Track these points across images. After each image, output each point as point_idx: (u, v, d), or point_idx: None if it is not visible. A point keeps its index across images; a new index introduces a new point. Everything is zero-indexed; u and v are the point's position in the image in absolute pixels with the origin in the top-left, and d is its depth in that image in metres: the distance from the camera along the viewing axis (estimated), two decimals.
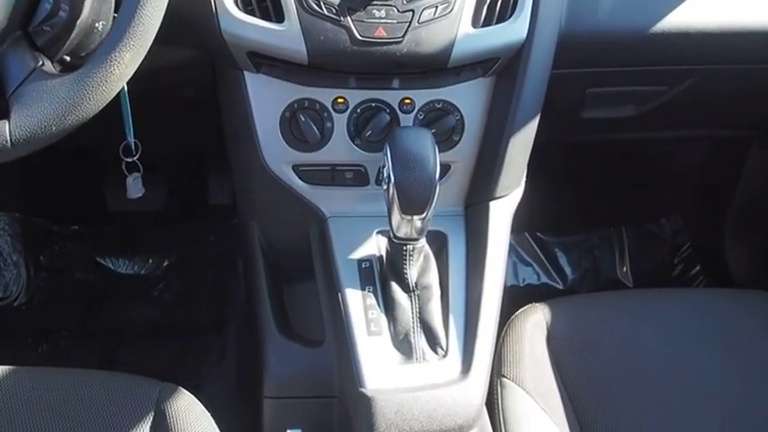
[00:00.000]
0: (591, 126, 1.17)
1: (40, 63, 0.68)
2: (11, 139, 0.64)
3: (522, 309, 1.01)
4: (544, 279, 1.65)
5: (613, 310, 1.06)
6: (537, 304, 1.01)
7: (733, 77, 1.07)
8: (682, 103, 1.10)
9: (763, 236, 1.48)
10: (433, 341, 0.83)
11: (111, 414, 0.83)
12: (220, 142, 1.09)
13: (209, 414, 0.83)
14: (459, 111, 0.90)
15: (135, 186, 0.98)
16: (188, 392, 0.85)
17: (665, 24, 0.95)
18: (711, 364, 0.97)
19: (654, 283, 1.63)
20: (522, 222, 1.60)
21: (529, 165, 1.00)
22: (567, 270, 1.65)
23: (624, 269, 1.66)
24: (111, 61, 0.66)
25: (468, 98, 0.90)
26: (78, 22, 0.70)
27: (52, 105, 0.65)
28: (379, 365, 0.81)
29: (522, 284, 1.64)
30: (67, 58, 0.73)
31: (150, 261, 1.66)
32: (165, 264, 1.66)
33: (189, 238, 1.67)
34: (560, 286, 1.66)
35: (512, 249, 1.64)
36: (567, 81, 1.00)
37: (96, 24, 0.73)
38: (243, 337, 1.40)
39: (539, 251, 1.66)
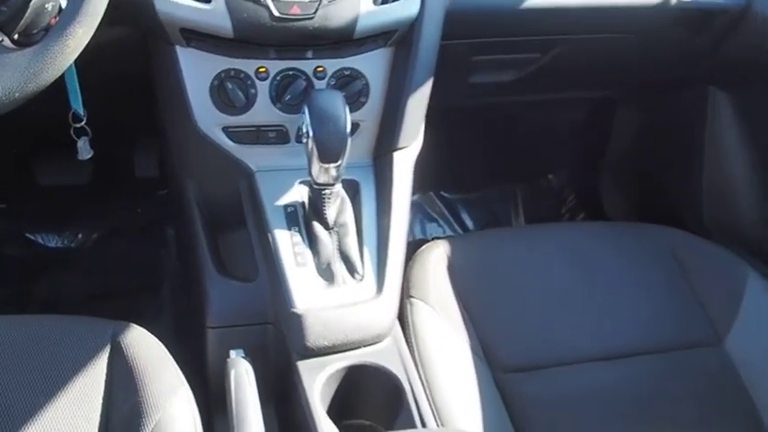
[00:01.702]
0: (479, 90, 1.34)
1: (0, 39, 0.80)
2: None
3: (427, 244, 1.18)
4: (449, 232, 1.81)
5: (503, 241, 1.25)
6: (439, 240, 1.18)
7: (592, 46, 1.26)
8: (554, 68, 1.29)
9: (631, 182, 1.70)
10: (351, 268, 0.98)
11: (68, 352, 0.87)
12: (152, 114, 1.20)
13: (162, 344, 0.94)
14: (364, 76, 1.04)
15: (85, 149, 1.09)
16: (140, 327, 0.96)
17: (532, 1, 1.13)
18: (582, 281, 1.17)
19: None
20: (428, 182, 1.79)
21: (431, 129, 1.16)
22: (469, 223, 1.83)
23: (519, 220, 1.85)
24: (66, 35, 0.76)
25: (372, 65, 1.04)
26: (32, 3, 0.81)
27: (15, 75, 0.74)
28: (307, 290, 0.95)
29: (429, 238, 1.80)
30: (16, 36, 0.84)
31: (80, 235, 1.73)
32: (94, 236, 1.72)
33: (117, 211, 1.75)
34: None
35: (419, 207, 1.81)
36: (455, 50, 1.16)
37: (46, 5, 0.84)
38: (178, 294, 1.51)
39: (443, 208, 1.82)
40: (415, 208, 1.78)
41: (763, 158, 1.39)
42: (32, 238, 1.71)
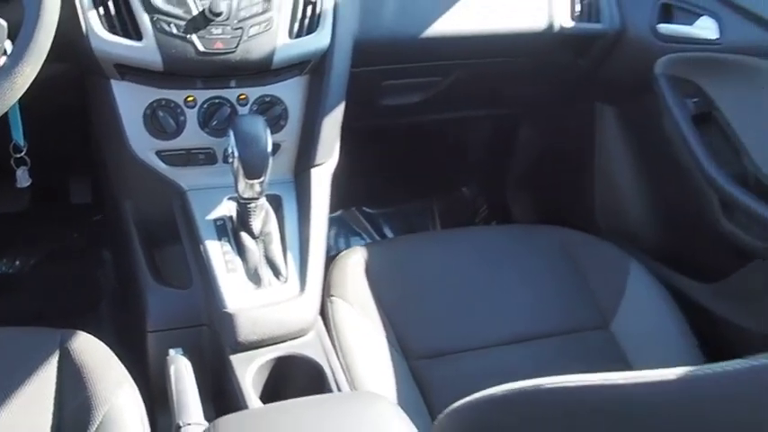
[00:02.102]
0: (391, 111, 1.48)
1: None
2: None
3: (346, 250, 1.31)
4: None
5: (416, 244, 1.39)
6: (357, 246, 1.31)
7: (488, 69, 1.42)
8: (456, 90, 1.44)
9: (535, 190, 1.87)
10: (276, 272, 1.10)
11: (19, 359, 0.94)
12: (88, 144, 1.30)
13: (107, 347, 1.04)
14: (283, 102, 1.17)
15: (23, 177, 1.18)
16: (87, 333, 1.05)
17: (430, 31, 1.28)
18: (486, 277, 1.31)
19: None
20: (351, 199, 1.91)
21: (353, 149, 1.29)
22: (390, 235, 1.95)
23: (436, 230, 2.00)
24: (15, 74, 0.87)
25: (290, 92, 1.18)
26: None
27: None
28: (237, 292, 1.06)
29: None
30: None
31: (17, 261, 1.79)
32: (32, 261, 1.78)
33: (54, 236, 1.82)
34: None
35: (343, 222, 1.93)
36: (367, 76, 1.30)
37: None
38: (117, 310, 1.60)
39: (365, 222, 1.95)
40: (340, 223, 1.90)
41: (644, 165, 1.57)
42: None
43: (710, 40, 1.34)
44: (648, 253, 1.51)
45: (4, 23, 0.91)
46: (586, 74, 1.50)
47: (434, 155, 1.95)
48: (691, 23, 1.38)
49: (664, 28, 1.40)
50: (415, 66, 1.35)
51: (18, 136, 1.14)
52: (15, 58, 0.87)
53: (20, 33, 0.88)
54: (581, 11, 1.41)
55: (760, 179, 1.31)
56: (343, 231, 1.90)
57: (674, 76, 1.41)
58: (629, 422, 0.48)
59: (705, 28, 1.36)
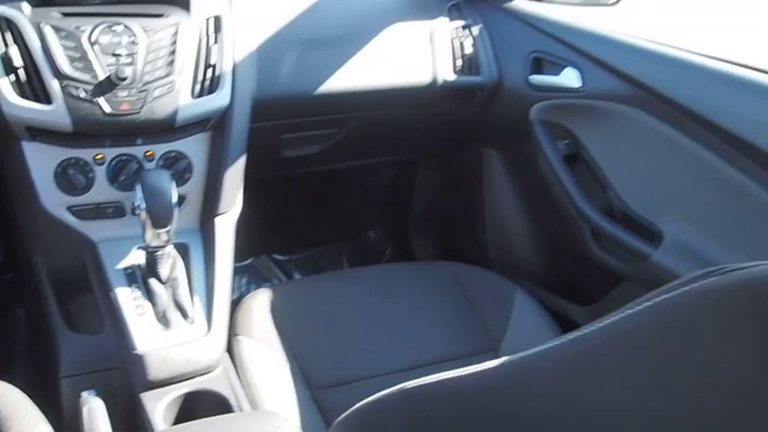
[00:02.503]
0: (293, 162, 1.59)
1: None
2: None
3: (252, 292, 1.39)
4: None
5: (319, 284, 1.49)
6: (262, 288, 1.40)
7: (380, 120, 1.55)
8: (352, 140, 1.56)
9: (435, 230, 2.00)
10: (184, 314, 1.18)
11: None
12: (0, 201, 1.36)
13: (24, 394, 1.08)
14: (188, 157, 1.26)
15: None
16: (4, 382, 1.09)
17: (324, 88, 1.40)
18: (385, 310, 1.41)
19: None
20: (261, 247, 2.00)
21: (260, 198, 1.38)
22: None
23: None
24: None
25: (194, 147, 1.27)
26: None
27: None
28: (146, 335, 1.13)
29: None
30: None
31: None
32: None
33: None
34: None
35: (254, 270, 2.01)
36: (267, 130, 1.41)
37: None
38: (30, 363, 1.63)
39: (276, 269, 2.03)
40: (251, 271, 1.98)
41: (526, 202, 1.72)
42: None
43: (575, 88, 1.51)
44: (534, 281, 1.65)
45: None
46: (471, 121, 1.65)
47: (340, 200, 2.06)
48: (557, 74, 1.55)
49: (535, 79, 1.57)
50: (311, 119, 1.47)
51: None
52: None
53: None
54: (462, 65, 1.56)
55: (623, 209, 1.47)
56: (254, 278, 1.97)
57: (547, 121, 1.57)
58: (474, 406, 0.60)
59: (570, 78, 1.53)
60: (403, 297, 1.45)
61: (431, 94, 1.54)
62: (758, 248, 1.25)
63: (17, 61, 1.12)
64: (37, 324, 1.36)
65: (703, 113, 1.30)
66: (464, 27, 1.58)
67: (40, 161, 1.19)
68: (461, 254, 1.75)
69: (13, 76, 1.12)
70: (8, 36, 1.13)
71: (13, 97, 1.12)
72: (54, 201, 1.21)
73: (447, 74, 1.53)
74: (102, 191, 1.22)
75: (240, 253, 1.89)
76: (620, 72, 1.44)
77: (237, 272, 1.96)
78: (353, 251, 2.12)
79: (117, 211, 1.24)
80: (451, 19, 1.58)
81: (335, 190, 2.02)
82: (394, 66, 1.50)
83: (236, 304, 1.33)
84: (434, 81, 1.52)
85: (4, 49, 1.12)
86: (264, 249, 2.03)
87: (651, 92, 1.38)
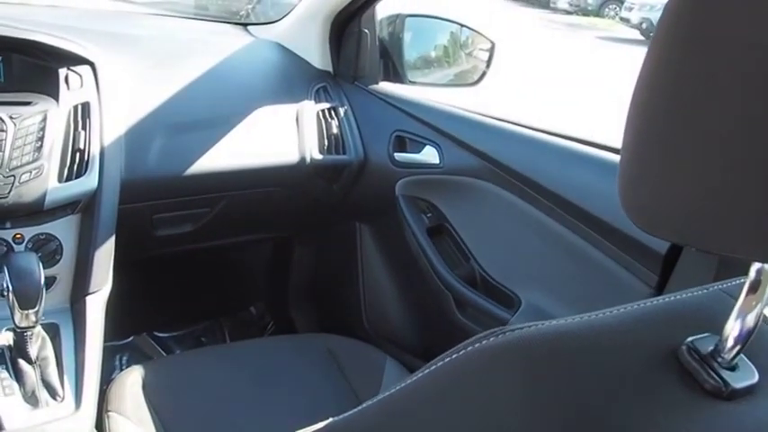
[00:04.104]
0: (167, 241, 1.63)
1: None
2: None
3: (125, 369, 1.41)
4: None
5: (194, 360, 1.52)
6: (134, 366, 1.42)
7: (251, 198, 1.62)
8: (225, 218, 1.62)
9: (314, 303, 2.07)
10: (53, 393, 1.19)
11: None
12: None
13: None
14: (57, 239, 1.30)
15: None
16: None
17: (193, 169, 1.47)
18: (258, 384, 1.44)
19: None
20: (141, 325, 2.01)
21: (138, 276, 1.41)
22: None
23: None
24: None
25: (64, 229, 1.31)
26: None
27: None
28: (15, 414, 1.14)
29: None
30: None
31: None
32: None
33: None
34: None
35: (134, 347, 2.02)
36: (136, 211, 1.46)
37: None
38: None
39: (157, 346, 2.04)
40: (131, 348, 1.99)
41: (397, 272, 1.81)
42: None
43: (434, 164, 1.64)
44: (405, 349, 1.73)
45: None
46: (341, 198, 1.74)
47: (220, 276, 2.10)
48: (419, 151, 1.68)
49: (399, 156, 1.69)
50: (182, 200, 1.52)
51: None
52: None
53: None
54: (328, 145, 1.66)
55: (484, 278, 1.58)
56: (134, 356, 1.97)
57: (411, 195, 1.69)
58: None
59: (430, 154, 1.66)
60: (276, 371, 1.50)
61: (299, 173, 1.63)
62: (595, 304, 1.37)
63: None
64: None
65: (545, 184, 1.44)
66: (330, 108, 1.69)
67: None
68: (339, 325, 1.82)
69: None
70: None
71: None
72: None
73: (314, 153, 1.63)
74: None
75: (120, 331, 1.91)
76: (472, 148, 1.57)
77: (118, 350, 1.96)
78: (235, 326, 2.16)
79: None
80: (317, 101, 1.69)
81: (214, 266, 2.06)
82: (262, 146, 1.58)
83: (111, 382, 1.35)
84: (302, 160, 1.62)
85: None
86: (145, 327, 2.03)
87: (499, 165, 1.52)
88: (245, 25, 1.93)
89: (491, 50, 1.77)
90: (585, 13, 17.51)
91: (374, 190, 1.72)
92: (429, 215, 1.69)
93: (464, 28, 1.85)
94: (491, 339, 0.58)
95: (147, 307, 1.86)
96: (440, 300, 1.63)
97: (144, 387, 1.36)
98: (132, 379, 1.37)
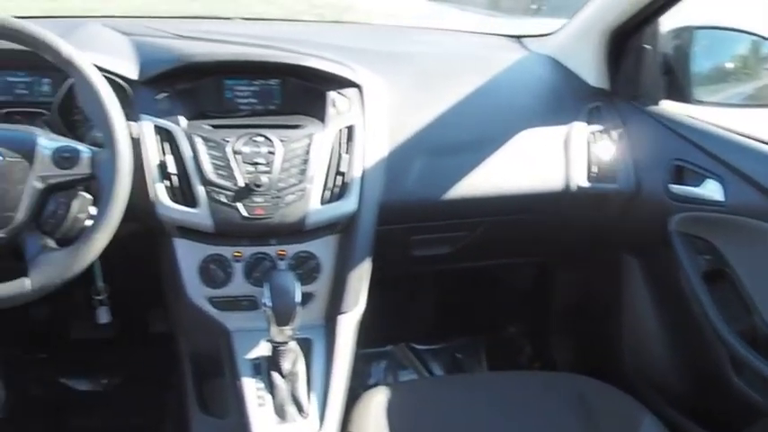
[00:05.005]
0: (425, 261, 1.64)
1: (46, 241, 1.12)
2: (31, 289, 1.08)
3: (370, 390, 1.43)
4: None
5: (439, 388, 1.50)
6: (381, 387, 1.44)
7: (512, 224, 1.57)
8: (484, 242, 1.59)
9: (573, 334, 1.96)
10: (299, 409, 1.24)
11: None
12: (158, 287, 1.51)
13: None
14: (317, 257, 1.35)
15: (102, 315, 1.41)
16: None
17: (452, 194, 1.44)
18: (502, 425, 1.37)
19: None
20: (400, 336, 2.06)
21: (402, 289, 1.42)
22: (436, 371, 2.07)
23: (482, 366, 2.08)
24: (93, 239, 1.10)
25: (323, 249, 1.36)
26: (69, 214, 1.15)
27: (57, 269, 1.08)
28: (264, 425, 1.21)
29: None
30: (58, 237, 1.16)
31: (104, 380, 2.03)
32: (116, 381, 2.02)
33: (134, 360, 2.05)
34: None
35: (393, 356, 2.07)
36: (394, 233, 1.47)
37: (79, 215, 1.17)
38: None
39: (413, 358, 2.07)
40: (389, 357, 2.04)
41: (666, 315, 1.65)
42: (65, 381, 2.01)
43: (717, 201, 1.45)
44: (668, 401, 1.57)
45: (90, 197, 1.16)
46: (606, 227, 1.62)
47: (478, 294, 2.07)
48: (699, 185, 1.49)
49: (675, 188, 1.52)
50: (440, 223, 1.51)
51: (99, 282, 1.37)
52: (95, 226, 1.11)
53: (98, 208, 1.11)
54: (597, 172, 1.55)
55: None
56: (392, 365, 2.02)
57: (687, 233, 1.51)
58: None
59: (712, 190, 1.47)
60: (521, 410, 1.41)
61: (563, 201, 1.54)
62: None
63: (171, 168, 1.27)
64: (176, 398, 1.47)
65: None
66: (602, 131, 1.58)
67: (187, 256, 1.32)
68: (597, 360, 1.70)
69: (167, 182, 1.27)
70: (165, 146, 1.28)
71: (166, 201, 1.27)
72: (197, 292, 1.34)
73: (581, 180, 1.53)
74: (238, 285, 1.34)
75: (379, 339, 1.97)
76: (764, 188, 1.37)
77: (375, 357, 2.03)
78: (492, 346, 2.12)
79: (251, 304, 1.35)
80: (590, 122, 1.58)
81: (472, 284, 2.04)
82: (526, 170, 1.51)
83: (355, 398, 1.37)
84: (567, 187, 1.52)
85: (161, 158, 1.27)
86: (403, 338, 2.07)
87: None
88: (519, 38, 1.86)
89: None
90: None
91: (645, 223, 1.58)
92: (707, 257, 1.51)
93: (766, 41, 1.62)
94: None
95: (405, 319, 1.89)
96: (713, 355, 1.45)
97: (388, 410, 1.37)
98: (377, 400, 1.39)
